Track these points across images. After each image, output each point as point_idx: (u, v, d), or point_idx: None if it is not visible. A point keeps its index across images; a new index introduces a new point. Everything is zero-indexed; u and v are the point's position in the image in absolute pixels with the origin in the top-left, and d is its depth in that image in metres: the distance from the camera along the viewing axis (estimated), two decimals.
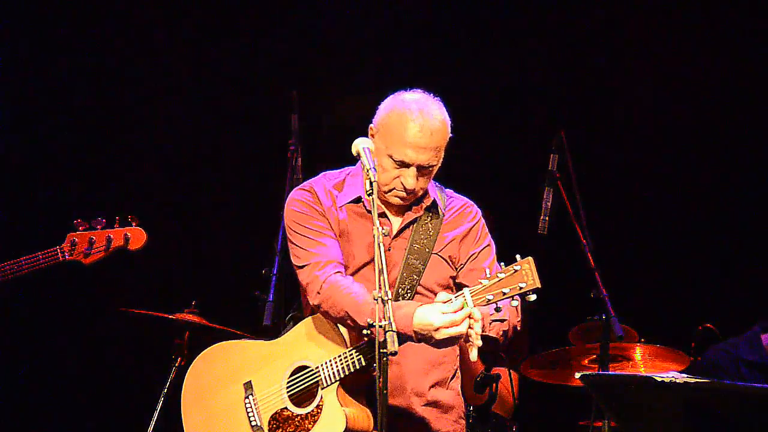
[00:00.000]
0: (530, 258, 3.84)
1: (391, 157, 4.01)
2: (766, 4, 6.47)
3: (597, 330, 5.10)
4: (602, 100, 6.77)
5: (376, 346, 3.60)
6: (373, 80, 6.58)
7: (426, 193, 4.16)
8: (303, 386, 4.04)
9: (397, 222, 4.15)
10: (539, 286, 3.82)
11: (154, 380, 5.36)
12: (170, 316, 5.32)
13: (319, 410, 3.99)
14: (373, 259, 4.01)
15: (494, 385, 5.19)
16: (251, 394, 4.09)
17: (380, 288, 3.62)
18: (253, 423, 4.07)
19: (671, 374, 3.19)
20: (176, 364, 5.26)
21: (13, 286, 5.05)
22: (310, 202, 4.13)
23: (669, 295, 6.62)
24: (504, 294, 3.83)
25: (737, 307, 6.25)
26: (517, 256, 3.85)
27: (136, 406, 5.60)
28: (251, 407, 4.09)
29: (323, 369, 4.00)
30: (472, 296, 3.85)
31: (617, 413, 3.44)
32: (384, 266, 3.64)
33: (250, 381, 4.11)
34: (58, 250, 5.05)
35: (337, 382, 3.99)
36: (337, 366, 3.99)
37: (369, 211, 4.00)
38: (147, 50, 6.61)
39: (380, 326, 3.58)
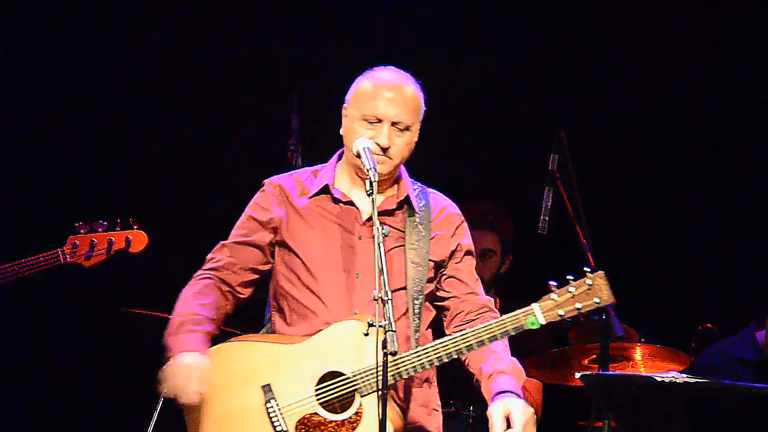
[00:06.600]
0: (602, 272, 3.71)
1: (364, 118, 4.02)
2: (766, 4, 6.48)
3: (597, 330, 5.10)
4: (602, 100, 6.77)
5: (377, 345, 3.60)
6: None
7: (399, 180, 4.12)
8: (337, 393, 3.92)
9: (366, 211, 4.09)
10: (614, 301, 3.70)
11: (154, 380, 5.35)
12: (170, 317, 5.31)
13: (358, 417, 3.88)
14: (342, 251, 4.04)
15: None
16: (273, 398, 3.94)
17: (380, 288, 3.62)
18: (279, 428, 3.91)
19: (671, 374, 3.19)
20: None
21: (13, 288, 5.06)
22: (270, 195, 4.22)
23: (669, 295, 6.63)
24: (578, 310, 3.72)
25: (737, 307, 6.25)
26: (586, 269, 3.72)
27: (136, 407, 5.60)
28: (275, 411, 3.93)
29: (363, 378, 3.89)
30: (542, 312, 3.74)
31: (617, 413, 3.44)
32: (384, 266, 3.63)
33: (269, 384, 3.96)
34: (59, 253, 5.05)
35: (379, 391, 3.81)
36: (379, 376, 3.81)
37: (336, 200, 4.08)
38: (146, 51, 6.61)
39: (380, 326, 3.58)
